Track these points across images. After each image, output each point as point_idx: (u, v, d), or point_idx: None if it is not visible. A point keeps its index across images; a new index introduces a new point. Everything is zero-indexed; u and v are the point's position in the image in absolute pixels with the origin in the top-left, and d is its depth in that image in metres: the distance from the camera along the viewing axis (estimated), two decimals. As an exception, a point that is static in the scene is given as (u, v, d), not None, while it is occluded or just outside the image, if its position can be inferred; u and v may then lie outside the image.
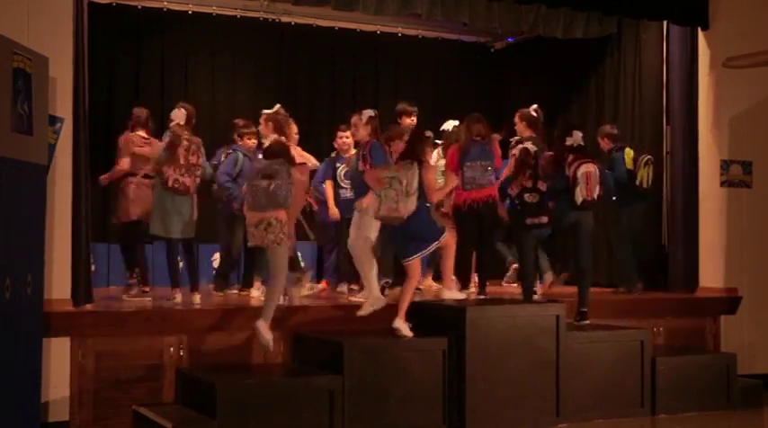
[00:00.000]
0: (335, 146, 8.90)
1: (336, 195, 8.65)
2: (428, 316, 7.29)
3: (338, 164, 8.72)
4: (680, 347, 8.40)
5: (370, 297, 7.27)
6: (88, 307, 6.77)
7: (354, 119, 7.81)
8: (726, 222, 9.02)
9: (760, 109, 9.16)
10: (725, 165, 9.05)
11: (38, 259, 6.04)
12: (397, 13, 8.53)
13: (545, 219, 7.70)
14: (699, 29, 9.15)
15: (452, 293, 7.74)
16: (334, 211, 8.58)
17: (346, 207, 8.33)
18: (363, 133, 7.61)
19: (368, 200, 7.28)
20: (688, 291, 9.07)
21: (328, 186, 8.70)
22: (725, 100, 9.08)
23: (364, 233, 7.38)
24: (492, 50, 12.35)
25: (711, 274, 9.01)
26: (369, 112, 7.65)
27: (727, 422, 7.68)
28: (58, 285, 6.51)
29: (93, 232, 7.56)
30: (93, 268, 7.66)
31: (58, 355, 6.38)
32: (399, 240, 7.22)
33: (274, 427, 6.18)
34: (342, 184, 8.64)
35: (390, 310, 7.25)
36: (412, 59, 11.86)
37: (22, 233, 5.73)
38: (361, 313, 7.14)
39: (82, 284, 6.72)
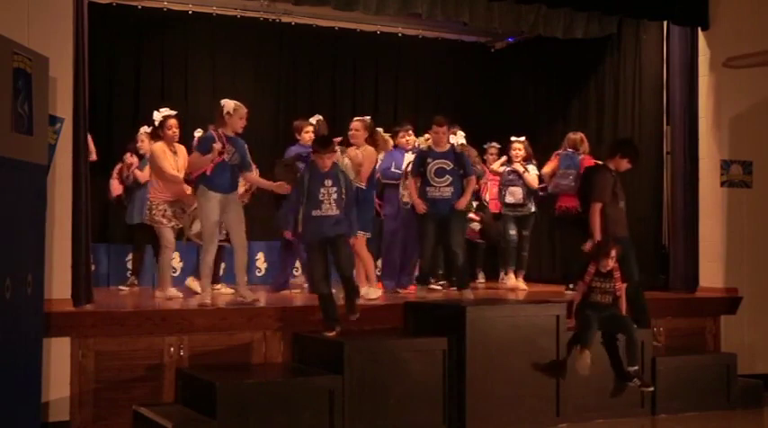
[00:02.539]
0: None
1: (424, 192, 8.21)
2: (428, 316, 7.30)
3: (429, 160, 8.23)
4: (680, 347, 8.39)
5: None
6: (88, 307, 6.77)
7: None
8: (726, 222, 9.01)
9: (760, 109, 9.15)
10: (725, 165, 9.04)
11: (38, 259, 6.03)
12: (397, 13, 8.52)
13: None
14: (699, 29, 9.13)
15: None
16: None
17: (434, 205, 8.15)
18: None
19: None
20: (688, 291, 9.05)
21: (412, 182, 8.36)
22: (725, 100, 9.07)
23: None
24: (492, 50, 12.34)
25: (711, 274, 8.99)
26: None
27: (727, 422, 7.67)
28: (58, 285, 6.50)
29: (93, 232, 7.56)
30: (92, 268, 7.67)
31: (58, 355, 6.38)
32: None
33: (274, 427, 6.17)
34: (431, 182, 8.19)
35: (386, 310, 7.29)
36: (412, 59, 11.85)
37: (22, 233, 5.72)
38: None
39: (82, 284, 6.72)
